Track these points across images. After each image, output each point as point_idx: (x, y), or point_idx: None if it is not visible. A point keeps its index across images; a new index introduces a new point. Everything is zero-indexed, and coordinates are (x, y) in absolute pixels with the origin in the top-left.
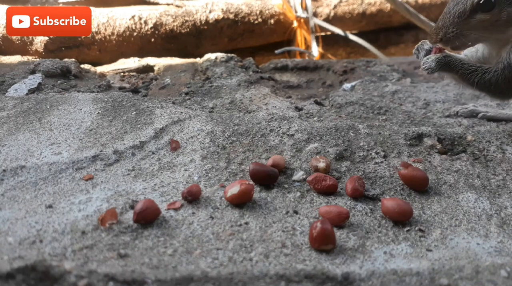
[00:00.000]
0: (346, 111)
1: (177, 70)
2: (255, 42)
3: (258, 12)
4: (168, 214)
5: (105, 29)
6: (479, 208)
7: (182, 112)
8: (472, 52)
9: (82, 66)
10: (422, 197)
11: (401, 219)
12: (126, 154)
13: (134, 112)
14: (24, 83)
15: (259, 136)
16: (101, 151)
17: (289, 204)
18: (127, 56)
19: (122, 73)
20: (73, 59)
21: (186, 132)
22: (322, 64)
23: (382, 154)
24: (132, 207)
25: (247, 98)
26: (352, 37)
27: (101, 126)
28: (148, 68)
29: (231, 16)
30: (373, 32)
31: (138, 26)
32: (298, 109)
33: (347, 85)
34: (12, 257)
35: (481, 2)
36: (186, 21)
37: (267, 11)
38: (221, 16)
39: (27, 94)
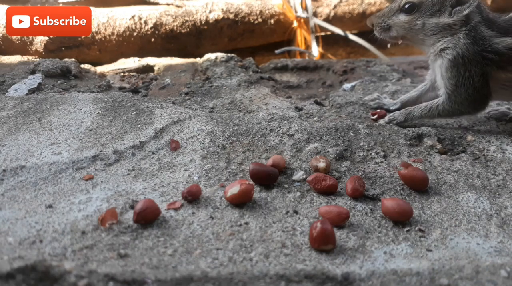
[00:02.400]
0: (346, 111)
1: (177, 70)
2: (255, 42)
3: (258, 12)
4: (168, 214)
5: (105, 29)
6: (479, 208)
7: (182, 112)
8: (430, 74)
9: (82, 66)
10: (422, 197)
11: (401, 219)
12: (126, 154)
13: (134, 112)
14: (24, 83)
15: (259, 136)
16: (101, 151)
17: (289, 204)
18: (127, 56)
19: (122, 73)
20: (73, 59)
21: (186, 132)
22: (322, 64)
23: (382, 154)
24: (132, 207)
25: (247, 98)
26: (352, 37)
27: (101, 126)
28: (148, 68)
29: (231, 16)
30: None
31: (138, 26)
32: (298, 109)
33: (347, 85)
34: (12, 257)
35: (406, 5)
36: (186, 21)
37: (267, 11)
38: (221, 16)
39: (27, 94)
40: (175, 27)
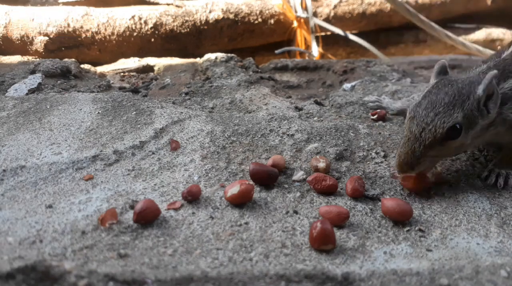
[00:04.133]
0: (346, 111)
1: (177, 70)
2: (255, 42)
3: (258, 12)
4: (168, 214)
5: (105, 29)
6: (479, 208)
7: (182, 112)
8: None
9: (82, 66)
10: (422, 197)
11: (401, 219)
12: (126, 154)
13: (134, 112)
14: (24, 83)
15: (259, 136)
16: (101, 151)
17: (289, 204)
18: (127, 56)
19: (122, 73)
20: (73, 59)
21: (186, 132)
22: (322, 64)
23: (382, 154)
24: (132, 207)
25: (247, 98)
26: (352, 37)
27: (101, 126)
28: (148, 68)
29: (231, 16)
30: (373, 32)
31: (138, 26)
32: (298, 109)
33: (347, 85)
34: (12, 257)
35: (449, 132)
36: (186, 21)
37: (267, 11)
38: (221, 16)
39: (27, 94)
40: (175, 27)
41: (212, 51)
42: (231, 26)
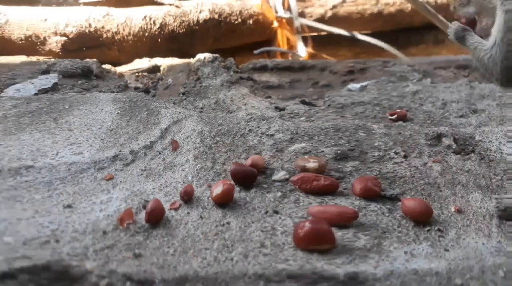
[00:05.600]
0: (353, 111)
1: (176, 71)
2: (236, 42)
3: (238, 12)
4: (170, 214)
5: (123, 29)
6: (484, 208)
7: (180, 112)
8: None
9: (103, 66)
10: (440, 198)
11: (422, 219)
12: (140, 153)
13: (146, 113)
14: (32, 83)
15: (239, 136)
16: (120, 151)
17: (268, 204)
18: (141, 56)
19: (136, 74)
20: (95, 59)
21: (183, 133)
22: (313, 64)
23: (403, 154)
24: (144, 207)
25: (228, 98)
26: (361, 37)
27: (120, 126)
28: (156, 69)
29: (216, 16)
30: (392, 33)
31: (149, 27)
32: (279, 109)
33: (354, 86)
34: (11, 257)
35: None
36: (183, 21)
37: (246, 11)
38: (208, 16)
39: (36, 94)
40: (175, 28)
41: (202, 51)
42: (216, 26)
